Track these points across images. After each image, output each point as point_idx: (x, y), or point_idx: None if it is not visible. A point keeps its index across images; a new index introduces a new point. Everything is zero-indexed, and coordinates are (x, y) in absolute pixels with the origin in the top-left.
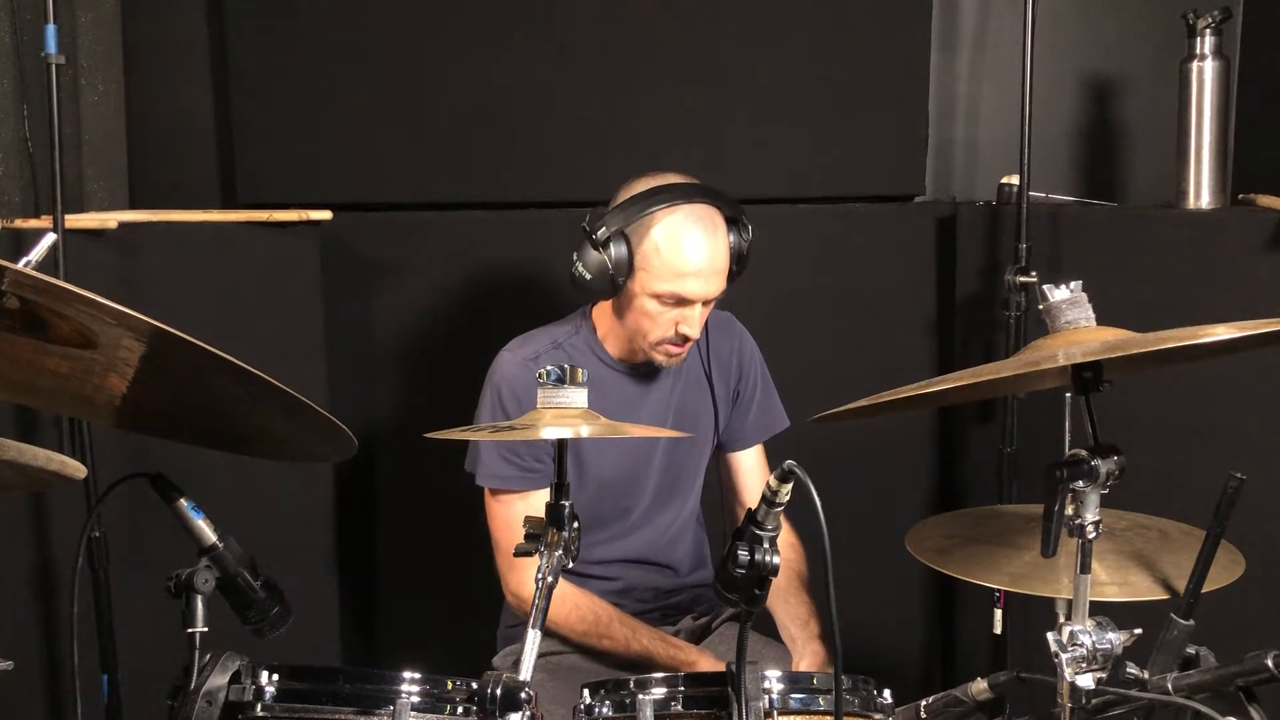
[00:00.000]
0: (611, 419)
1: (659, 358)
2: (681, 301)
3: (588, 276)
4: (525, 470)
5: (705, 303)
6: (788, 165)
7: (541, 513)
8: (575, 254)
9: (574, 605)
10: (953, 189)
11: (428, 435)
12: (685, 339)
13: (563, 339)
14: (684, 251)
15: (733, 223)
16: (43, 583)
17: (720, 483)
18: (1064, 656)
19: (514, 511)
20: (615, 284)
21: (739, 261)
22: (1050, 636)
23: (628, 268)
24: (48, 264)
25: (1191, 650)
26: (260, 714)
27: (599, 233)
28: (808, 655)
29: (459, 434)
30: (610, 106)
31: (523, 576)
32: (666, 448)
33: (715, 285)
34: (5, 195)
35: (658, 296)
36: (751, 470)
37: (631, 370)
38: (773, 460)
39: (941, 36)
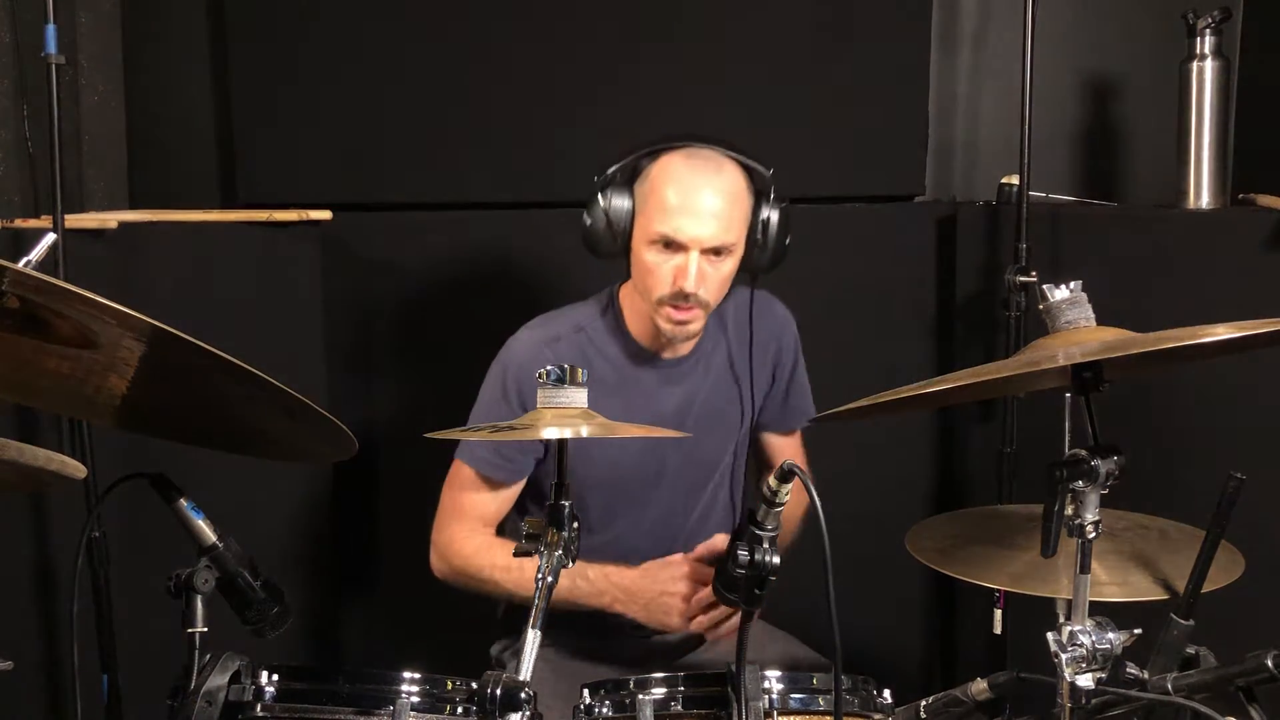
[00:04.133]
0: (629, 408)
1: (664, 325)
2: (673, 245)
3: (589, 224)
4: (501, 458)
5: (706, 251)
6: (788, 165)
7: (496, 501)
8: (584, 210)
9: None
10: (953, 189)
11: (428, 435)
12: (684, 296)
13: (586, 322)
14: (678, 184)
15: (760, 194)
16: (43, 583)
17: (755, 464)
18: (1064, 656)
19: (471, 491)
20: (615, 234)
21: (764, 232)
22: (1050, 636)
23: (629, 215)
24: (48, 264)
25: (1191, 650)
26: (260, 714)
27: (604, 180)
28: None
29: (459, 434)
30: (611, 106)
31: (453, 533)
32: (675, 445)
33: (710, 230)
34: (5, 195)
35: (653, 241)
36: (779, 453)
37: (660, 362)
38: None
39: (941, 36)
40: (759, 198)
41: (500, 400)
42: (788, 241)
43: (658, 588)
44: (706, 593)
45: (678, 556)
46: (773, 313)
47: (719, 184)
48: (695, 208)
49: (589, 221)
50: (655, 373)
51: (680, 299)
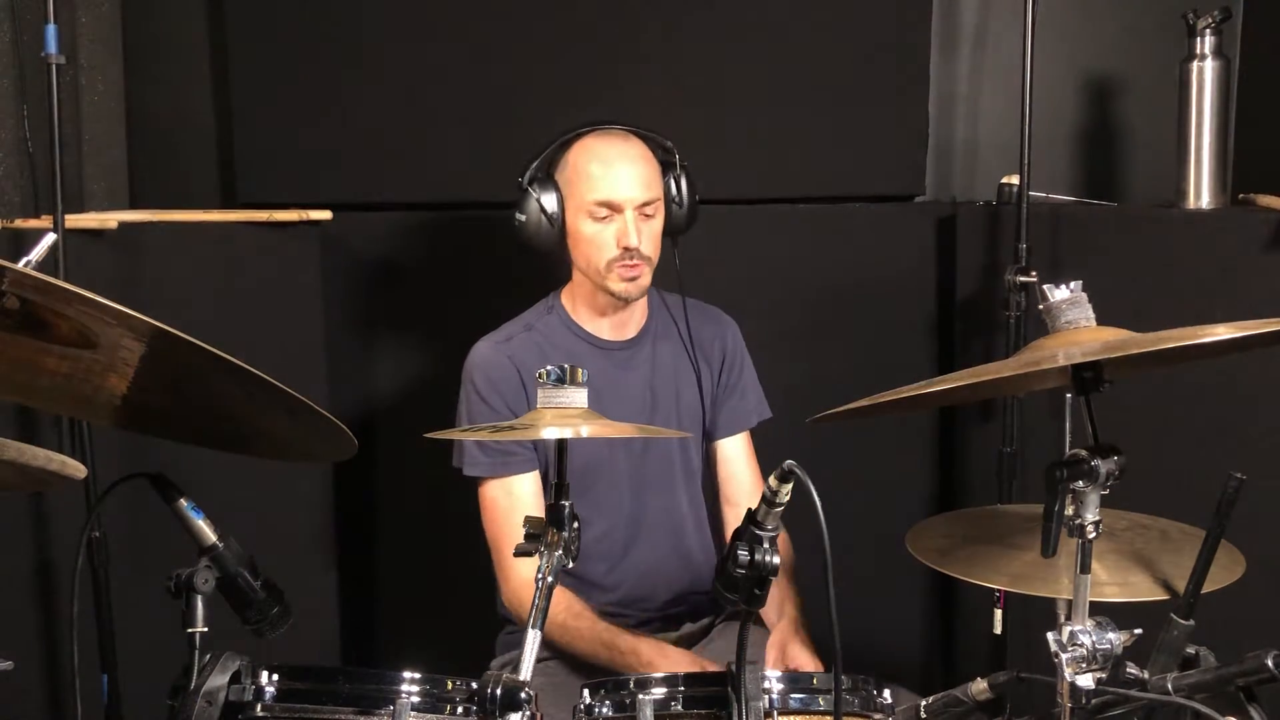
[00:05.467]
0: (592, 394)
1: (617, 286)
2: (611, 208)
3: (525, 220)
4: (499, 454)
5: (638, 209)
6: (788, 165)
7: (525, 498)
8: (515, 213)
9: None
10: (953, 189)
11: (427, 435)
12: (630, 251)
13: (534, 321)
14: (598, 158)
15: (665, 163)
16: (43, 583)
17: (706, 472)
18: (1064, 656)
19: (499, 502)
20: (552, 221)
21: (678, 192)
22: (1050, 636)
23: (559, 201)
24: (48, 264)
25: (1191, 650)
26: (260, 714)
27: (526, 179)
28: (777, 645)
29: (459, 434)
30: (610, 107)
31: (509, 567)
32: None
33: (639, 188)
34: (5, 195)
35: (590, 214)
36: (737, 458)
37: (608, 344)
38: (773, 460)
39: (941, 36)
40: (665, 166)
41: (480, 403)
42: (698, 199)
43: None
44: None
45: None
46: (715, 316)
47: (633, 151)
48: (620, 172)
49: (524, 218)
50: (607, 355)
51: (627, 257)
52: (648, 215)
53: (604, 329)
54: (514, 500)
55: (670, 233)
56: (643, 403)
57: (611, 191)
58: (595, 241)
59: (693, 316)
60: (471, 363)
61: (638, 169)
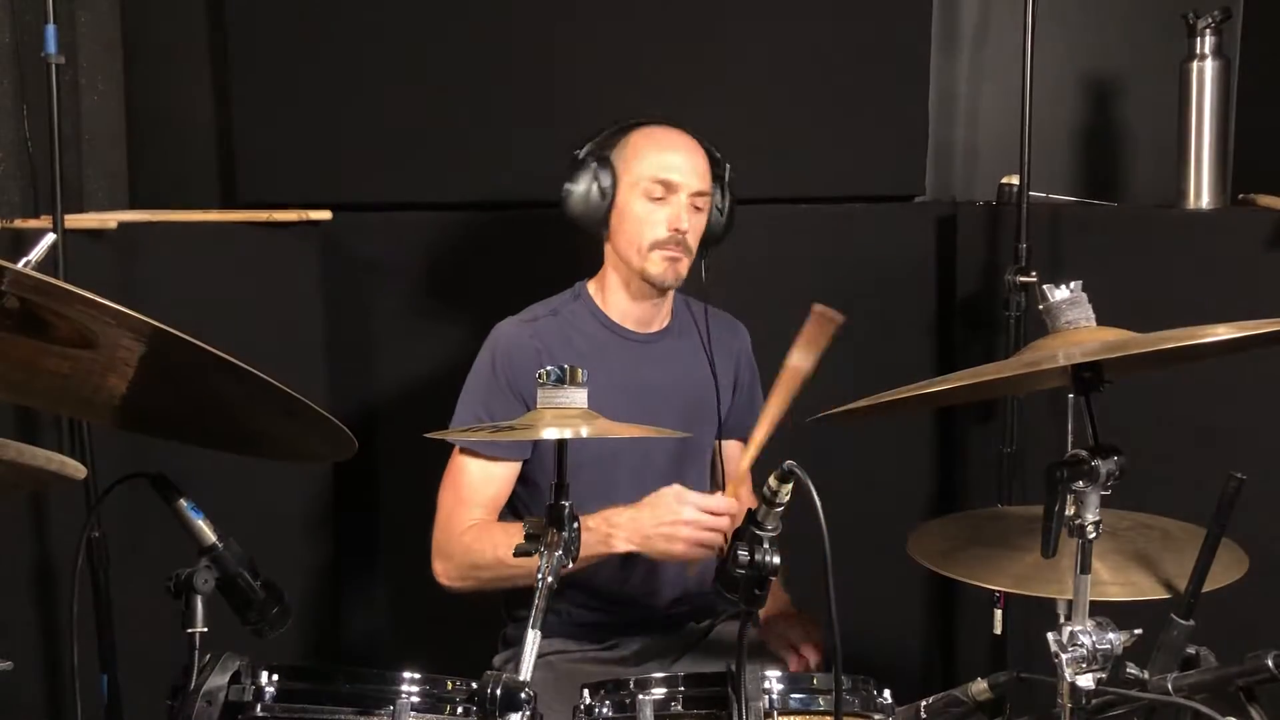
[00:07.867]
0: (612, 384)
1: (657, 269)
2: (669, 188)
3: (578, 191)
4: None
5: (691, 196)
6: (788, 165)
7: (498, 482)
8: (564, 185)
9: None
10: (953, 189)
11: (427, 435)
12: (677, 233)
13: (560, 306)
14: (662, 141)
15: (715, 173)
16: (43, 583)
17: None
18: (1064, 656)
19: (472, 475)
20: (604, 195)
21: (722, 198)
22: (1050, 636)
23: (613, 178)
24: (48, 264)
25: (1191, 650)
26: (260, 714)
27: (583, 154)
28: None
29: (459, 434)
30: (610, 106)
31: (454, 524)
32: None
33: (696, 177)
34: (5, 195)
35: (645, 192)
36: (731, 460)
37: (633, 335)
38: (773, 460)
39: (941, 36)
40: (713, 173)
41: (490, 378)
42: (735, 213)
43: (663, 516)
44: (712, 523)
45: (676, 486)
46: (733, 324)
47: (693, 144)
48: (682, 157)
49: (574, 189)
50: (632, 347)
51: (673, 240)
52: (697, 207)
53: (630, 320)
54: (487, 480)
55: (705, 239)
56: (663, 396)
57: (672, 172)
58: (646, 220)
59: (714, 322)
60: (493, 339)
61: (697, 159)
